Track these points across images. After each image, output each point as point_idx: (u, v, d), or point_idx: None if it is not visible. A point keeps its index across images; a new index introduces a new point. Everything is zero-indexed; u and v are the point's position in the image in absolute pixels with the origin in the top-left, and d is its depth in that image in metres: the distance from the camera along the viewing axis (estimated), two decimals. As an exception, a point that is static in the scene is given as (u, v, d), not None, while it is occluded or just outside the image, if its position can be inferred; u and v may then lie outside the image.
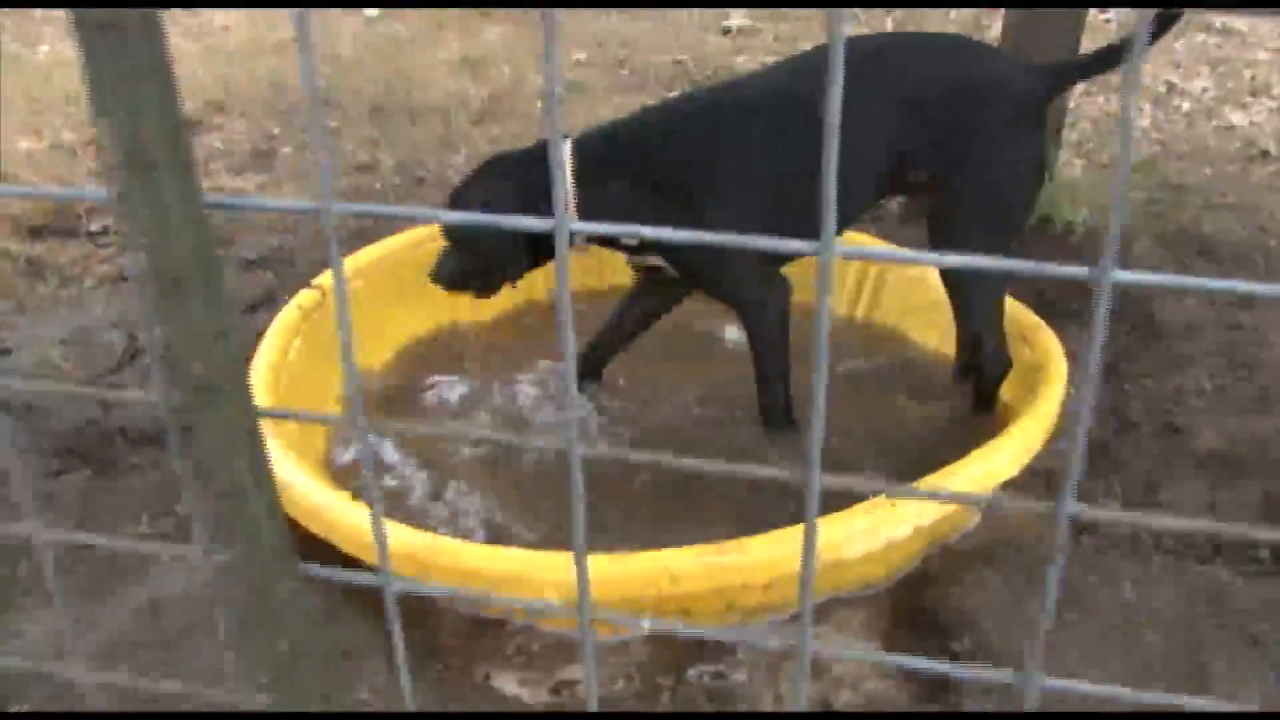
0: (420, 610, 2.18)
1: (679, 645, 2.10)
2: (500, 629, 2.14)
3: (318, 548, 2.17)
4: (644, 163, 2.47)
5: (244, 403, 0.86)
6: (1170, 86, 4.80)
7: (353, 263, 3.04)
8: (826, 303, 0.61)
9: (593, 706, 0.84)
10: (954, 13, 5.66)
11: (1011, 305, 2.81)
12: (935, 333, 3.00)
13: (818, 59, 2.50)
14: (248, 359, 2.67)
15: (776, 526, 1.99)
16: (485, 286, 2.63)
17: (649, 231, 0.66)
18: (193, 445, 0.86)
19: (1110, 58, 2.42)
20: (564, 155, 2.42)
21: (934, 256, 0.64)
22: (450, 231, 2.60)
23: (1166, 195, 3.75)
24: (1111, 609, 2.06)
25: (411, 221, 3.53)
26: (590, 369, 2.88)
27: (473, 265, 2.59)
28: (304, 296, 2.84)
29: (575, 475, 0.75)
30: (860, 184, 2.46)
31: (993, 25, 5.19)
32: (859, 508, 2.02)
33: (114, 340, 3.09)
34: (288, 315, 2.76)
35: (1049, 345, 2.60)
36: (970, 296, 2.57)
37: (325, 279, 2.91)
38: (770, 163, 2.43)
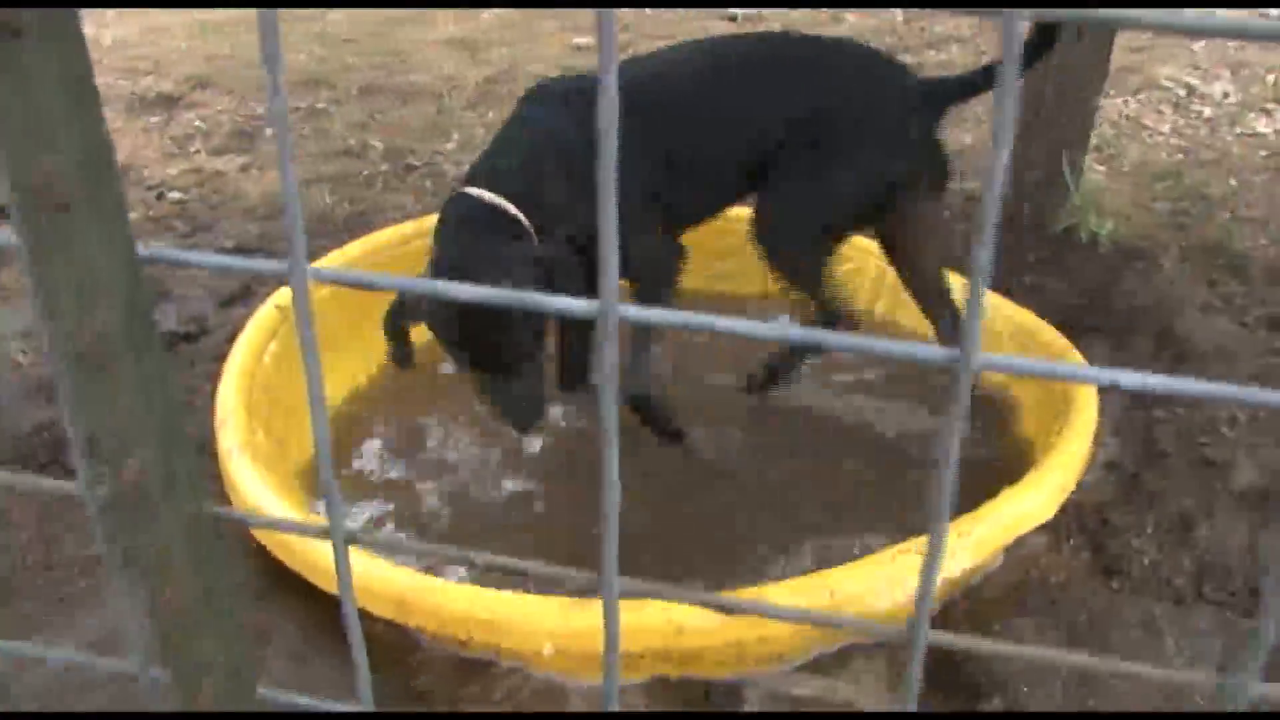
0: (399, 648, 2.01)
1: (684, 695, 1.93)
2: (486, 671, 1.97)
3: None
4: (566, 162, 2.31)
5: (193, 505, 0.68)
6: (1190, 90, 4.63)
7: (339, 257, 2.84)
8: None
9: None
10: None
11: (1036, 324, 2.65)
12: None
13: (702, 50, 2.48)
14: (218, 359, 2.48)
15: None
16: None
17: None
18: (128, 557, 0.68)
19: (988, 77, 2.34)
20: (508, 207, 2.24)
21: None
22: (490, 351, 2.19)
23: (1193, 206, 3.58)
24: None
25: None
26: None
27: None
28: (283, 294, 2.64)
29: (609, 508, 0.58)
30: (729, 173, 2.44)
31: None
32: (884, 555, 1.84)
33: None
34: (264, 315, 2.57)
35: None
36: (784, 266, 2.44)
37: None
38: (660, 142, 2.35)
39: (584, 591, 0.62)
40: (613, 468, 0.58)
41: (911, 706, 0.62)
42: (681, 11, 5.73)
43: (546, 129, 2.34)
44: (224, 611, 0.71)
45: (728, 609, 0.67)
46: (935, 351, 0.54)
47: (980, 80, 2.37)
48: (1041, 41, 2.25)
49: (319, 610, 2.03)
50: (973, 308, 0.51)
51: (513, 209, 2.24)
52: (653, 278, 2.41)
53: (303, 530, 0.70)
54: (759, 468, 2.52)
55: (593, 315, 0.54)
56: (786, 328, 0.54)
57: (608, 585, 0.63)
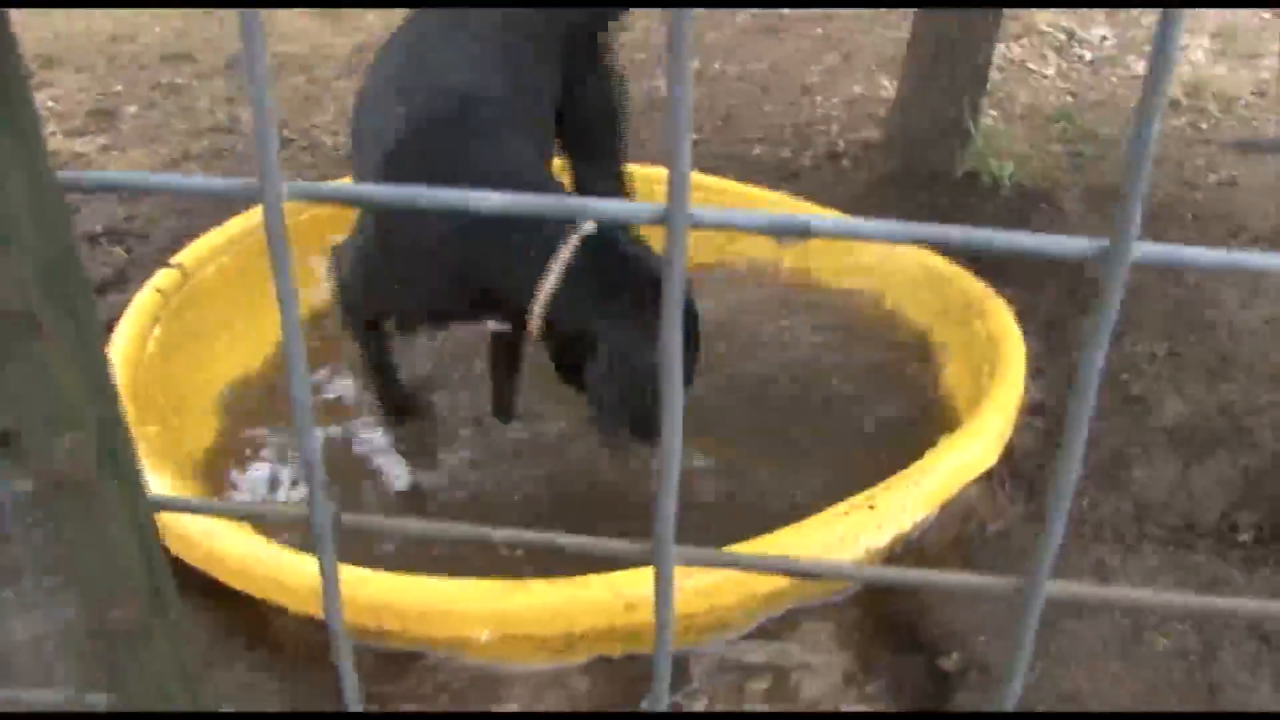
0: (315, 648, 1.87)
1: (627, 674, 1.82)
2: (416, 663, 1.84)
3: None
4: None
5: (138, 495, 0.55)
6: (1070, 35, 4.64)
7: (221, 234, 2.66)
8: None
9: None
10: None
11: (955, 273, 2.59)
12: (870, 297, 2.76)
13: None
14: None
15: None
16: None
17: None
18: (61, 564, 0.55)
19: None
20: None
21: None
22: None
23: (1087, 147, 3.58)
24: (1113, 613, 1.84)
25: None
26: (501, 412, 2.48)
27: None
28: (162, 277, 2.46)
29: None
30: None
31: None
32: (834, 512, 1.76)
33: None
34: (145, 300, 2.38)
35: (1002, 318, 2.37)
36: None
37: (187, 255, 2.53)
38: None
39: (635, 563, 0.50)
40: (676, 412, 0.47)
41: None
42: None
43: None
44: (174, 622, 0.58)
45: (795, 571, 0.56)
46: (1082, 244, 0.45)
47: None
48: None
49: (224, 611, 1.88)
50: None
51: None
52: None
53: (281, 516, 0.57)
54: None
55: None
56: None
57: (663, 553, 0.53)
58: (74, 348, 0.48)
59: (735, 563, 0.54)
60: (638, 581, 1.64)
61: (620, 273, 1.87)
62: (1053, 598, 0.53)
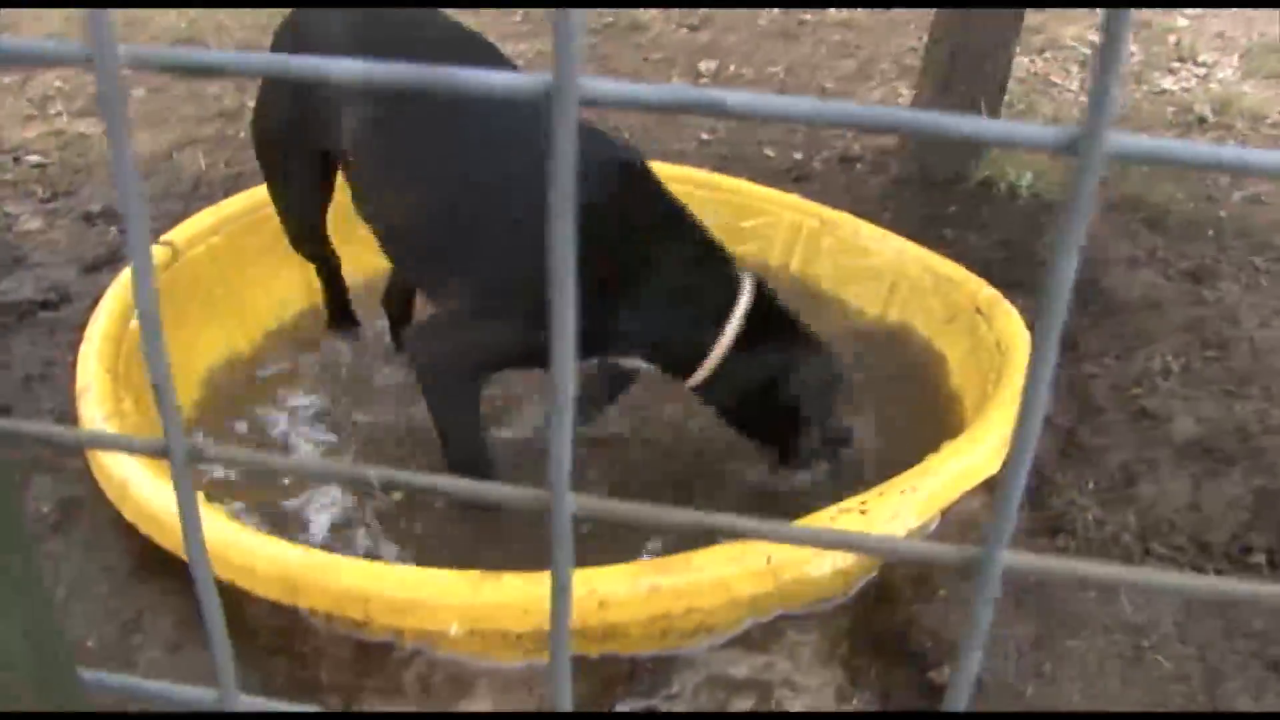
0: (289, 634, 1.80)
1: (605, 674, 1.75)
2: (386, 656, 1.77)
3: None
4: None
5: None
6: (1096, 49, 4.56)
7: (213, 214, 2.60)
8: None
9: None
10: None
11: (964, 277, 2.51)
12: (878, 300, 2.68)
13: None
14: (80, 327, 2.24)
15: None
16: None
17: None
18: None
19: None
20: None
21: None
22: None
23: (1109, 162, 3.49)
24: (1113, 630, 1.76)
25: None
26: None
27: None
28: (152, 253, 2.39)
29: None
30: None
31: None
32: (824, 515, 1.68)
33: None
34: (130, 276, 2.31)
35: (1010, 322, 2.29)
36: None
37: (177, 234, 2.47)
38: None
39: (530, 510, 0.42)
40: (568, 354, 0.40)
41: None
42: None
43: None
44: (27, 576, 0.51)
45: (703, 527, 0.49)
46: (1046, 132, 0.38)
47: None
48: None
49: (194, 595, 1.81)
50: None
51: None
52: None
53: (132, 447, 0.50)
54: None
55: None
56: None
57: (559, 502, 0.46)
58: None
59: (636, 516, 0.47)
60: (612, 579, 1.56)
61: (783, 321, 2.08)
62: (1011, 568, 0.46)
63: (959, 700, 0.49)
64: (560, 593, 0.50)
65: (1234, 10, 5.02)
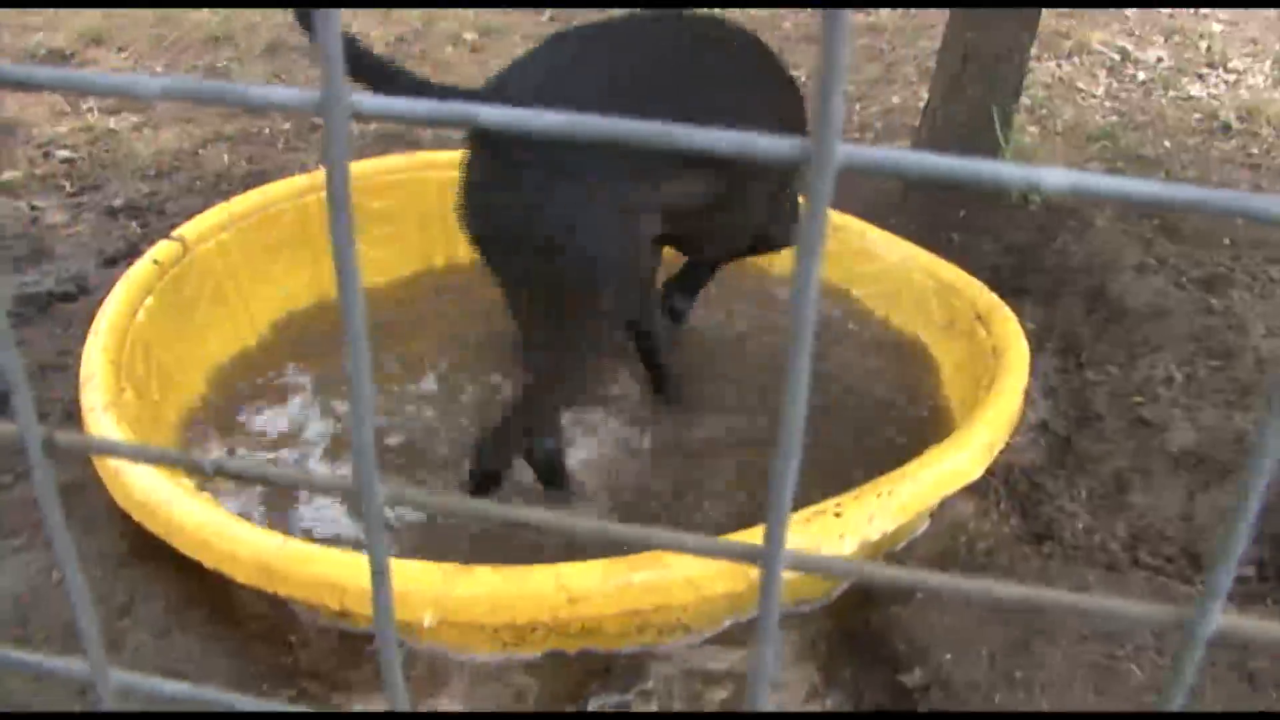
0: (274, 624, 1.84)
1: (576, 669, 1.78)
2: (369, 645, 1.80)
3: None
4: None
5: None
6: (1124, 55, 4.53)
7: (224, 210, 2.64)
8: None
9: None
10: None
11: (966, 282, 2.52)
12: (883, 304, 2.69)
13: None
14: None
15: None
16: None
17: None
18: None
19: None
20: None
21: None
22: None
23: (1127, 167, 3.48)
24: (1089, 639, 1.76)
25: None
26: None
27: None
28: (161, 249, 2.44)
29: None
30: None
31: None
32: (797, 518, 1.70)
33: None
34: (140, 270, 2.36)
35: (1007, 329, 2.29)
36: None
37: (188, 229, 2.52)
38: None
39: (342, 495, 0.45)
40: (360, 335, 0.42)
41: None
42: None
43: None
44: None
45: (511, 521, 0.51)
46: (779, 144, 0.40)
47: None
48: None
49: (186, 581, 1.86)
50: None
51: None
52: None
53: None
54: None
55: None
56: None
57: (368, 490, 0.48)
58: None
59: (449, 508, 0.49)
60: (583, 574, 1.58)
61: None
62: (794, 566, 0.48)
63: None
64: (378, 576, 0.52)
65: (1268, 15, 4.97)
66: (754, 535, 1.61)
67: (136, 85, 0.41)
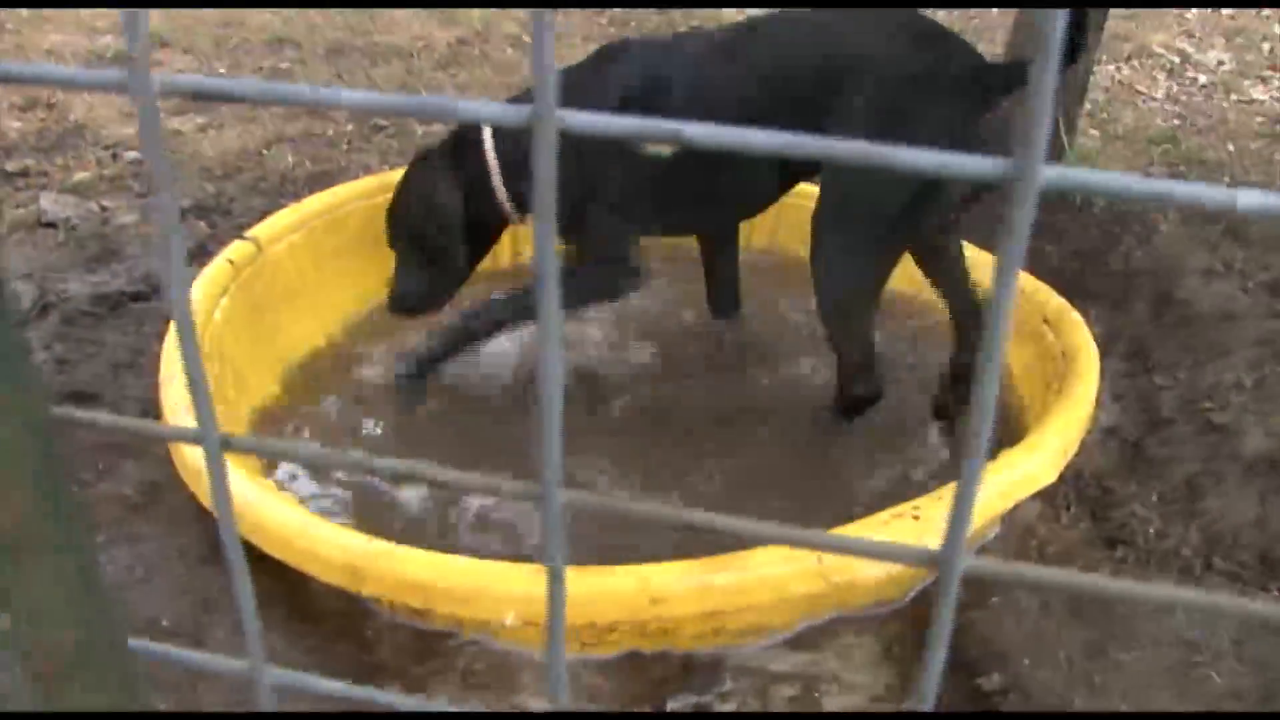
0: (352, 619, 1.86)
1: (657, 671, 1.79)
2: (445, 643, 1.83)
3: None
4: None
5: (21, 395, 0.53)
6: (1184, 57, 4.50)
7: (295, 211, 2.68)
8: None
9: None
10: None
11: (1034, 286, 2.51)
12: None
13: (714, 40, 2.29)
14: (168, 319, 2.33)
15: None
16: (439, 294, 2.50)
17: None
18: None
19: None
20: (486, 141, 2.33)
21: None
22: (396, 237, 2.49)
23: (1190, 171, 3.45)
24: (1167, 645, 1.75)
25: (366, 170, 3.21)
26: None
27: (424, 274, 2.47)
28: (236, 249, 2.48)
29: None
30: (762, 173, 2.32)
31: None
32: (875, 519, 1.70)
33: (21, 291, 2.73)
34: (215, 269, 2.41)
35: (1077, 333, 2.29)
36: (822, 299, 2.22)
37: (261, 230, 2.56)
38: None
39: (522, 499, 0.46)
40: (555, 349, 0.44)
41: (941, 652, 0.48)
42: None
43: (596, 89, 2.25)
44: (68, 537, 0.56)
45: (697, 526, 0.52)
46: (989, 163, 0.41)
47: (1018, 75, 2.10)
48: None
49: (268, 578, 1.88)
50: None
51: (487, 138, 2.35)
52: (584, 287, 2.34)
53: (171, 435, 0.55)
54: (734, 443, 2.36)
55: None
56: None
57: (549, 493, 0.49)
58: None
59: (627, 509, 0.51)
60: (666, 575, 1.60)
61: None
62: (970, 572, 0.49)
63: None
64: (554, 580, 0.53)
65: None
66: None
67: (338, 98, 0.43)
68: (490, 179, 2.34)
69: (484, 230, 2.44)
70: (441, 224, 2.38)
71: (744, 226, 2.74)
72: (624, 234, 2.33)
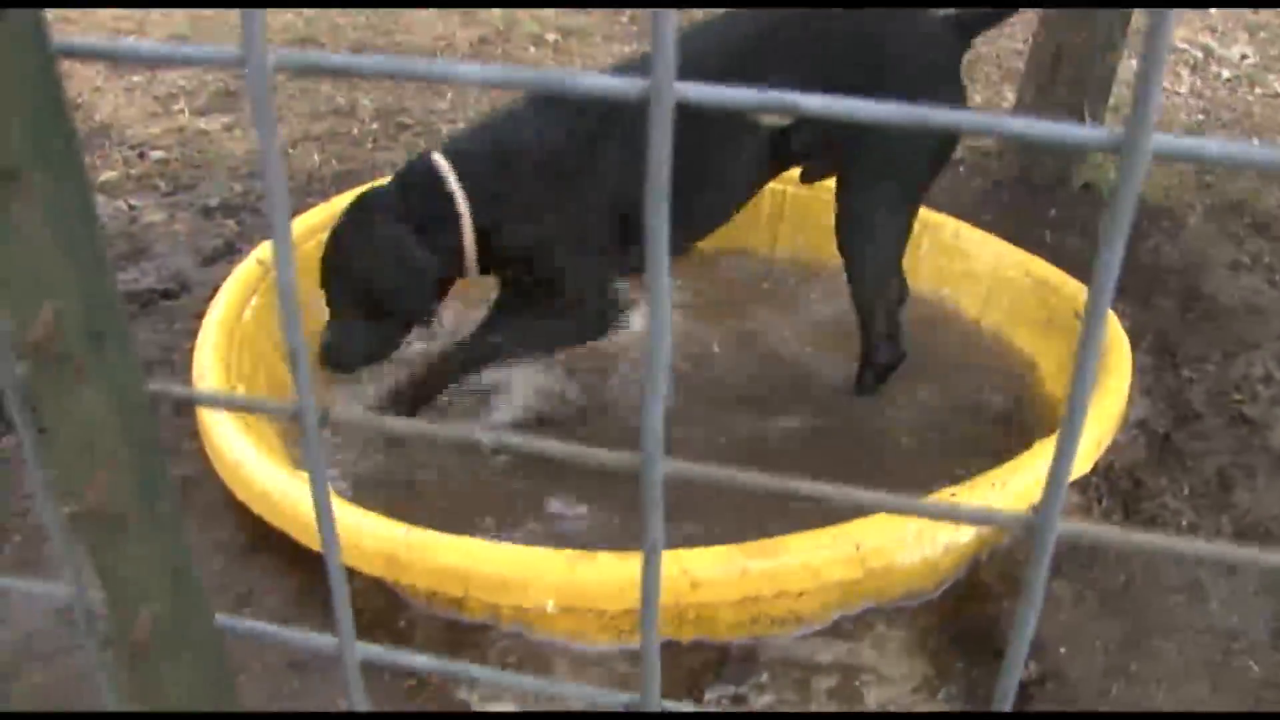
0: (389, 610, 1.87)
1: (694, 661, 1.79)
2: (483, 634, 1.83)
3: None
4: (528, 160, 2.18)
5: (126, 373, 0.54)
6: (1208, 52, 4.49)
7: (324, 210, 2.69)
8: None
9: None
10: None
11: (1063, 280, 2.52)
12: (977, 303, 2.69)
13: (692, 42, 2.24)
14: (198, 316, 2.35)
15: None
16: (382, 351, 2.29)
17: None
18: (44, 431, 0.55)
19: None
20: (445, 173, 2.17)
21: None
22: (341, 291, 2.26)
23: (1215, 166, 3.44)
24: (1203, 634, 1.76)
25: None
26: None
27: (368, 329, 2.25)
28: (265, 249, 2.50)
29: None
30: (746, 164, 2.30)
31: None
32: (960, 488, 1.72)
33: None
34: (245, 270, 2.42)
35: (1109, 326, 2.29)
36: (861, 268, 2.33)
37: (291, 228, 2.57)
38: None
39: (623, 471, 0.47)
40: (665, 314, 0.44)
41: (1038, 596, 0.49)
42: None
43: (537, 124, 2.19)
44: (163, 515, 0.57)
45: (785, 492, 0.53)
46: (1094, 132, 0.42)
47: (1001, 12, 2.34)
48: None
49: (304, 572, 1.90)
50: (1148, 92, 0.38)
51: (456, 192, 2.17)
52: (578, 316, 2.30)
53: (266, 408, 0.56)
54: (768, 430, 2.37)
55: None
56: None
57: (650, 462, 0.50)
58: (57, 210, 0.47)
59: (730, 480, 0.51)
60: (706, 560, 1.61)
61: None
62: (1064, 536, 0.50)
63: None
64: (651, 553, 0.54)
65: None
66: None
67: (454, 72, 0.44)
68: (461, 236, 2.18)
69: (439, 287, 2.27)
70: (413, 285, 2.19)
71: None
72: (601, 270, 2.30)
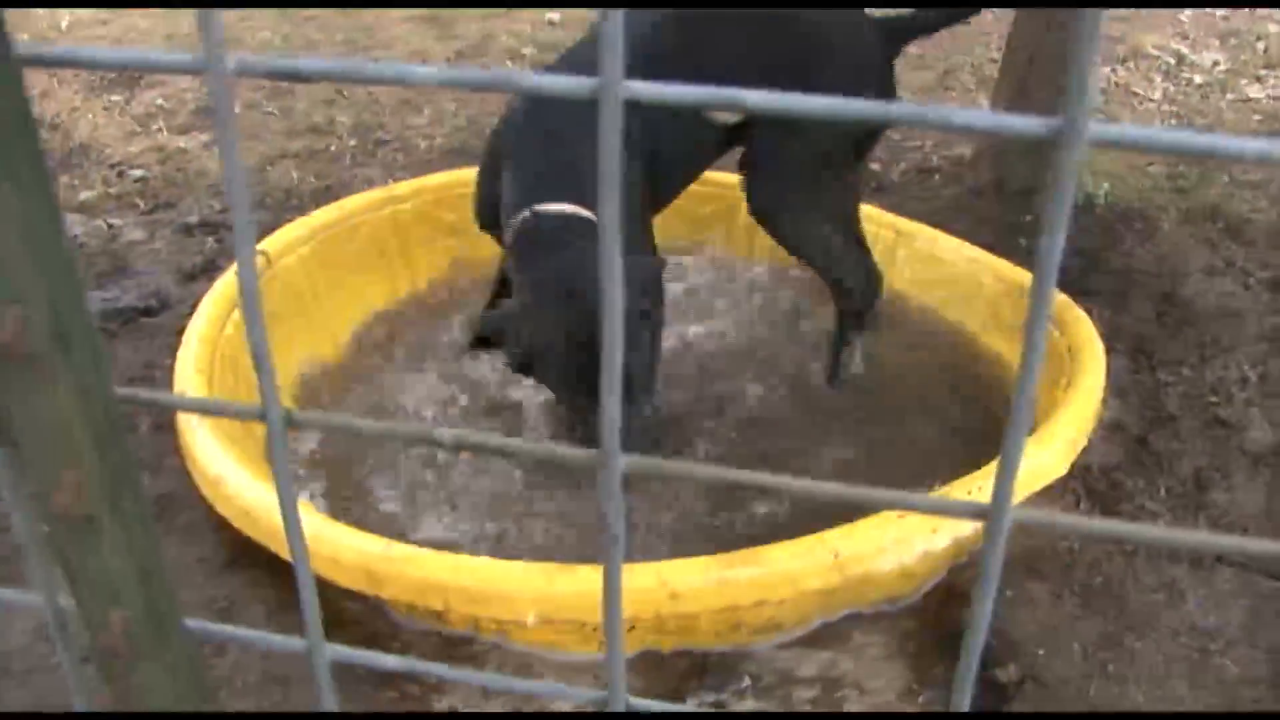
0: (372, 628, 1.88)
1: (675, 668, 1.80)
2: (467, 647, 1.84)
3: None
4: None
5: (91, 373, 0.55)
6: (1180, 58, 4.52)
7: (304, 225, 2.69)
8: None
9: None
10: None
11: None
12: (952, 309, 2.71)
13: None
14: (179, 333, 2.35)
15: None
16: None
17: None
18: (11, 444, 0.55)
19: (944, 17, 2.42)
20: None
21: None
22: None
23: (1189, 170, 3.47)
24: (1180, 633, 1.77)
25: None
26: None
27: None
28: (265, 241, 2.51)
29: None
30: (709, 145, 2.36)
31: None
32: (889, 513, 1.72)
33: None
34: (226, 284, 2.42)
35: (1081, 329, 2.31)
36: (797, 235, 2.38)
37: (270, 243, 2.58)
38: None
39: (583, 469, 0.48)
40: (616, 317, 0.45)
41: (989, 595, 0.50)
42: None
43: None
44: (132, 516, 0.58)
45: (742, 484, 0.54)
46: (1031, 121, 0.43)
47: (935, 20, 2.41)
48: None
49: (285, 586, 1.90)
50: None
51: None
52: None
53: (235, 412, 0.57)
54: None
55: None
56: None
57: (609, 464, 0.51)
58: (21, 212, 0.48)
59: (690, 473, 0.52)
60: (685, 571, 1.62)
61: None
62: (1018, 521, 0.51)
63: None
64: (611, 546, 0.55)
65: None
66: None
67: (412, 74, 0.45)
68: None
69: None
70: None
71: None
72: (641, 240, 2.27)
